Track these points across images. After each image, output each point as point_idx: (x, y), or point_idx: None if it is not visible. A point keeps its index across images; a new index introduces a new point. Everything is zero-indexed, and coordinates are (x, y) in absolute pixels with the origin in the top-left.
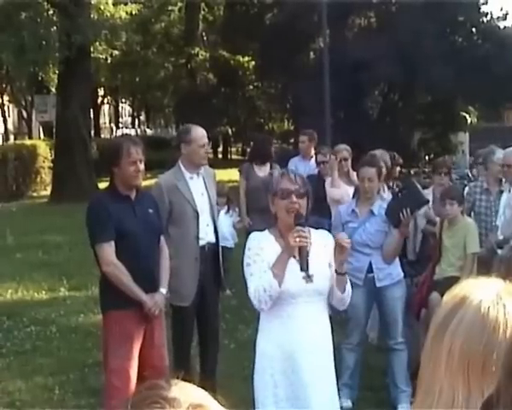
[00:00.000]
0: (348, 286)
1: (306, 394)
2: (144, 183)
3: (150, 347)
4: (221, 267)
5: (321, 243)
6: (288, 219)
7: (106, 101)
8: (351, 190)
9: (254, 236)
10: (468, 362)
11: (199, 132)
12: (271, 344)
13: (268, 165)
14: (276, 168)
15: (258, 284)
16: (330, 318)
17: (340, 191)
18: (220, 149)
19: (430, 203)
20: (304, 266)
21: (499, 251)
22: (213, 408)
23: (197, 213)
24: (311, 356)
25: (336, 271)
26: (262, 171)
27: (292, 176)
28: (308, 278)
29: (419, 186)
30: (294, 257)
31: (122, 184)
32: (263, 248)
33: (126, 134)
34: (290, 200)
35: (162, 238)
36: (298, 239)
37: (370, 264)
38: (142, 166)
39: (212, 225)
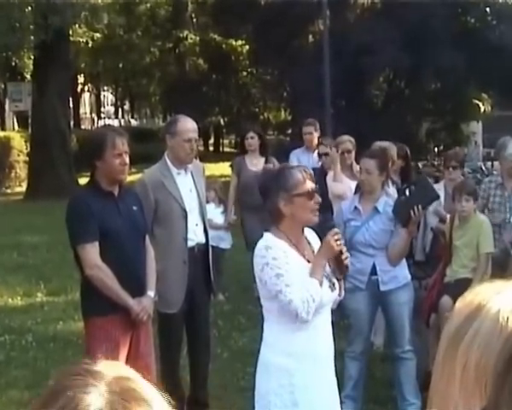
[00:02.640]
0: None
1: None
2: (128, 178)
3: (136, 356)
4: (211, 270)
5: (318, 242)
6: (313, 220)
7: (86, 89)
8: (354, 184)
9: (273, 242)
10: (486, 380)
11: (186, 125)
12: (293, 359)
13: (262, 159)
14: (272, 162)
15: (304, 294)
16: (332, 324)
17: (343, 186)
18: (211, 140)
19: (442, 199)
20: (344, 271)
21: None
22: (141, 383)
23: (185, 212)
24: (330, 369)
25: (337, 278)
26: (255, 165)
27: (310, 172)
28: (333, 285)
29: (430, 181)
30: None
31: (105, 178)
32: (288, 255)
33: (109, 125)
34: (316, 200)
35: (147, 238)
36: (339, 242)
37: (374, 266)
38: (127, 159)
39: (202, 224)
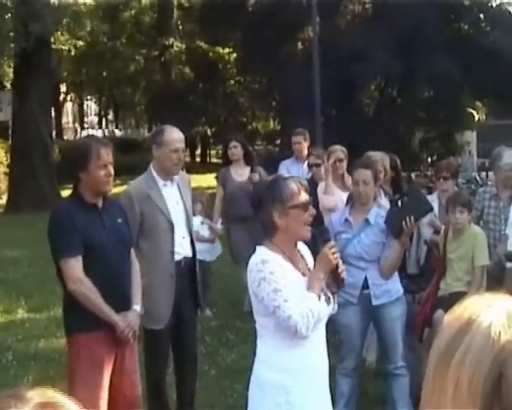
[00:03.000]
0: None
1: None
2: (112, 190)
3: (121, 374)
4: (198, 285)
5: (310, 256)
6: (306, 234)
7: (69, 98)
8: (345, 196)
9: (269, 256)
10: (480, 397)
11: (173, 135)
12: (289, 376)
13: (247, 168)
14: (258, 171)
15: (303, 309)
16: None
17: (334, 199)
18: (198, 151)
19: (436, 211)
20: (340, 284)
21: (509, 264)
22: (66, 406)
23: (172, 225)
24: (325, 385)
25: (332, 291)
26: (240, 175)
27: (304, 184)
28: (329, 299)
29: (423, 192)
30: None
31: (89, 190)
32: (284, 269)
33: (93, 135)
34: (310, 211)
35: (132, 252)
36: (336, 256)
37: (366, 279)
38: (112, 171)
39: (189, 237)
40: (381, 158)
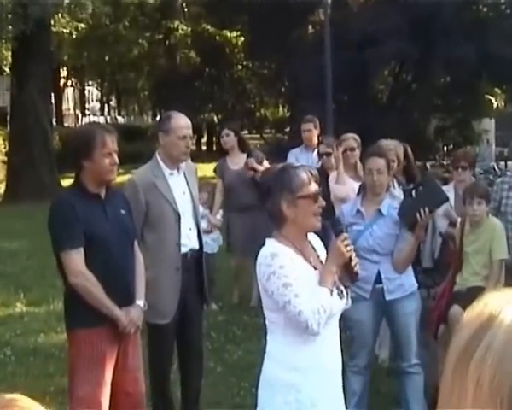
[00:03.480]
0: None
1: None
2: (116, 179)
3: (124, 371)
4: (205, 278)
5: (322, 248)
6: (316, 224)
7: (70, 83)
8: (358, 186)
9: (279, 249)
10: (502, 398)
11: (181, 121)
12: (299, 374)
13: (243, 155)
14: (255, 155)
15: (315, 304)
16: None
17: (346, 188)
18: (204, 139)
19: (452, 202)
20: (354, 278)
21: None
22: (25, 404)
23: (178, 216)
24: (337, 383)
25: (345, 285)
26: (236, 163)
27: (315, 173)
28: (341, 293)
29: (438, 182)
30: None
31: (93, 179)
32: (295, 263)
33: (95, 122)
34: (320, 203)
35: (136, 244)
36: (349, 248)
37: (379, 273)
38: (117, 159)
39: (196, 228)
40: (393, 146)
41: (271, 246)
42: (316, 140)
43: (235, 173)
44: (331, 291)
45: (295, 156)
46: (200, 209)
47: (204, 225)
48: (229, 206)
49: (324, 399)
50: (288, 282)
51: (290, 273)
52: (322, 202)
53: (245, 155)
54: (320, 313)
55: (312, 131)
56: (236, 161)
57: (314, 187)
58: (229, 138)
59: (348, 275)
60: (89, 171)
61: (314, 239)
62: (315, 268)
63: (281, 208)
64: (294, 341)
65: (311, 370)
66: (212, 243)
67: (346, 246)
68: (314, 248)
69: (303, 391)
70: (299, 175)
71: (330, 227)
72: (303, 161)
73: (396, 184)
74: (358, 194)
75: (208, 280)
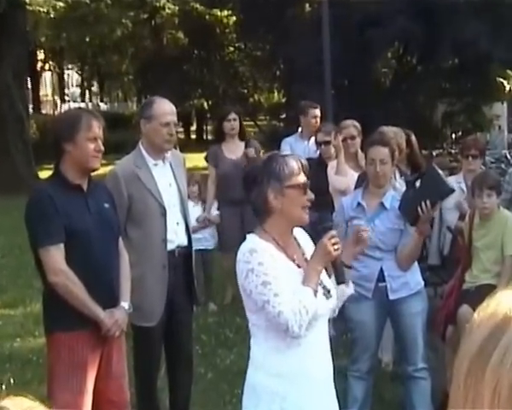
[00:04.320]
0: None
1: None
2: (97, 171)
3: (107, 377)
4: (194, 277)
5: (310, 245)
6: (303, 217)
7: (47, 67)
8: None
9: (259, 245)
10: None
11: (163, 107)
12: (284, 381)
13: (241, 144)
14: (253, 146)
15: (296, 305)
16: (331, 339)
17: (347, 180)
18: (193, 127)
19: (464, 194)
20: (342, 278)
21: None
22: None
23: (164, 210)
24: (328, 391)
25: (345, 265)
26: (233, 152)
27: (305, 164)
28: (328, 293)
29: (441, 172)
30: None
31: (74, 167)
32: (276, 260)
33: (80, 107)
34: (309, 195)
35: (120, 241)
36: (336, 247)
37: (382, 271)
38: (102, 147)
39: (184, 223)
40: (394, 134)
41: (251, 241)
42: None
43: (231, 163)
44: (315, 291)
45: (290, 145)
46: (191, 204)
47: (195, 221)
48: (221, 198)
49: (312, 407)
50: (267, 280)
51: (270, 271)
52: (310, 195)
53: (242, 144)
54: (302, 314)
55: (318, 118)
56: (233, 150)
57: (303, 178)
58: (236, 123)
59: (336, 276)
60: (71, 157)
61: (300, 235)
62: (298, 266)
63: (267, 198)
64: (277, 345)
65: (297, 376)
66: (210, 239)
67: (334, 244)
68: (299, 245)
69: (288, 399)
70: (288, 163)
71: (318, 223)
72: (299, 150)
73: (398, 174)
74: (359, 186)
75: (206, 278)
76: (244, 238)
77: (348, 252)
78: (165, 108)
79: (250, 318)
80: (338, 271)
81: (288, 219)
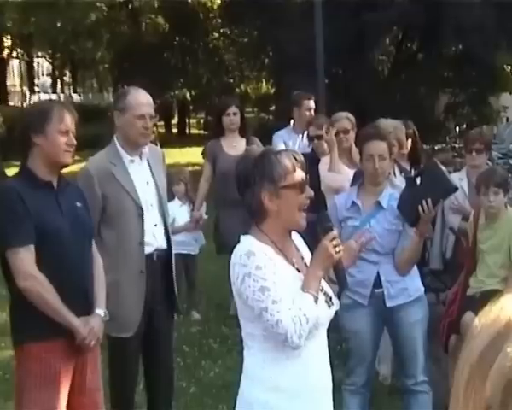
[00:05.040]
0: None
1: None
2: (69, 168)
3: (80, 392)
4: (175, 283)
5: (306, 249)
6: (300, 221)
7: (15, 54)
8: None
9: (257, 247)
10: None
11: (138, 97)
12: (282, 395)
13: (242, 140)
14: (255, 143)
15: (296, 313)
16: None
17: (341, 177)
18: (175, 120)
19: (465, 191)
20: (344, 284)
21: None
22: None
23: (141, 210)
24: (327, 405)
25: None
26: (234, 148)
27: (300, 159)
28: (330, 300)
29: (443, 168)
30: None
31: (44, 162)
32: (276, 263)
33: (52, 99)
34: (307, 193)
35: (94, 244)
36: (338, 249)
37: (378, 276)
38: (74, 141)
39: (162, 225)
40: (393, 128)
41: (248, 243)
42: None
43: (231, 160)
44: (316, 298)
45: (282, 139)
46: (178, 203)
47: (183, 220)
48: (219, 198)
49: None
50: (266, 286)
51: (268, 276)
52: (309, 193)
53: (243, 141)
54: (302, 323)
55: (312, 110)
56: (235, 146)
57: (300, 175)
58: (236, 118)
59: (337, 281)
60: (40, 150)
61: (296, 238)
62: (298, 271)
63: (261, 201)
64: (275, 356)
65: (296, 390)
66: (194, 243)
67: (335, 246)
68: (297, 248)
69: None
70: (281, 161)
71: (317, 223)
72: (292, 145)
73: (397, 171)
74: (353, 183)
75: (189, 285)
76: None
77: (346, 255)
78: (139, 99)
79: (245, 326)
80: (340, 275)
81: (285, 222)
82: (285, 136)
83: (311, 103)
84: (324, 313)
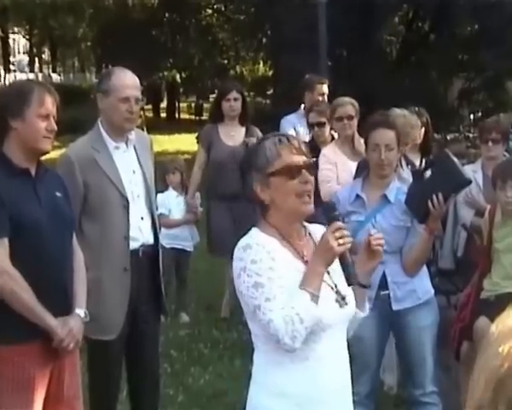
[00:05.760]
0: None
1: None
2: (48, 154)
3: (57, 400)
4: (162, 281)
5: None
6: (302, 208)
7: None
8: (355, 165)
9: (257, 239)
10: None
11: (122, 79)
12: (290, 401)
13: (241, 129)
14: (255, 134)
15: (288, 312)
16: None
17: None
18: (164, 104)
19: (480, 185)
20: (352, 280)
21: None
22: None
23: (127, 201)
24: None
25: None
26: (232, 138)
27: (294, 142)
28: (342, 300)
29: (456, 160)
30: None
31: (21, 148)
32: (274, 258)
33: (31, 79)
34: (302, 178)
35: (74, 238)
36: (342, 241)
37: (384, 276)
38: (55, 126)
39: (149, 218)
40: (405, 117)
41: (250, 235)
42: None
43: (229, 150)
44: (313, 296)
45: (292, 125)
46: (174, 194)
47: (180, 214)
48: (212, 190)
49: None
50: (260, 281)
51: (263, 271)
52: (306, 177)
53: (243, 130)
54: (294, 323)
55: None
56: (233, 135)
57: (290, 158)
58: (237, 104)
59: (345, 277)
60: (17, 135)
61: (314, 229)
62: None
63: (256, 192)
64: (279, 359)
65: (306, 396)
66: (189, 239)
67: (340, 238)
68: (314, 243)
69: None
70: (263, 147)
71: (323, 214)
72: (302, 131)
73: (404, 163)
74: (357, 175)
75: (179, 284)
76: (236, 239)
77: (362, 268)
78: (124, 81)
79: (250, 326)
80: (346, 271)
81: (286, 211)
82: (295, 121)
83: (325, 88)
84: (332, 314)
